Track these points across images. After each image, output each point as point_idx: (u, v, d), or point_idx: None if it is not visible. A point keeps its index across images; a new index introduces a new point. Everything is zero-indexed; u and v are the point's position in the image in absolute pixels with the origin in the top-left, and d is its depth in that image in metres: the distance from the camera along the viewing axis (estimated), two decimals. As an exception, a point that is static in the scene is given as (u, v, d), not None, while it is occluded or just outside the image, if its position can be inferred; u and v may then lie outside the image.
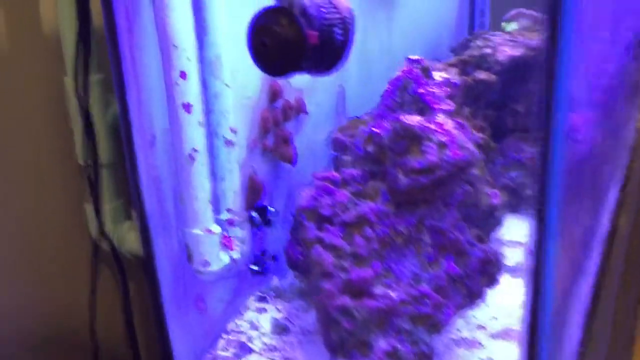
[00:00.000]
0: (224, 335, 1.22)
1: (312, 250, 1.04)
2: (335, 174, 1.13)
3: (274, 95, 1.30)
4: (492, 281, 1.04)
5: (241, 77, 1.14)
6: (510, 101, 1.56)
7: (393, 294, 0.97)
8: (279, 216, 1.36)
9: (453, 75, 1.39)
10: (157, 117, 1.04)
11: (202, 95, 1.03)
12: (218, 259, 1.05)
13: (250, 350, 1.17)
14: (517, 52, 1.48)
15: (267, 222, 1.26)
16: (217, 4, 1.01)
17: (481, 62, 1.49)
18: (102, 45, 1.08)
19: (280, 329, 1.22)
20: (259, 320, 1.25)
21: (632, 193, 1.32)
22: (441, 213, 1.02)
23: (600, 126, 0.99)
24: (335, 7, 0.83)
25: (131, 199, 1.06)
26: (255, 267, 1.23)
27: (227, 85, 1.04)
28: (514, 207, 1.50)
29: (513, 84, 1.53)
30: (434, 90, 1.19)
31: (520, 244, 1.43)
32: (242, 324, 1.25)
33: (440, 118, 1.02)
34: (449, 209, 1.02)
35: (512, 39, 1.53)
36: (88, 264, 1.20)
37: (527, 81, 1.55)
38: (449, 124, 1.01)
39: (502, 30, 1.90)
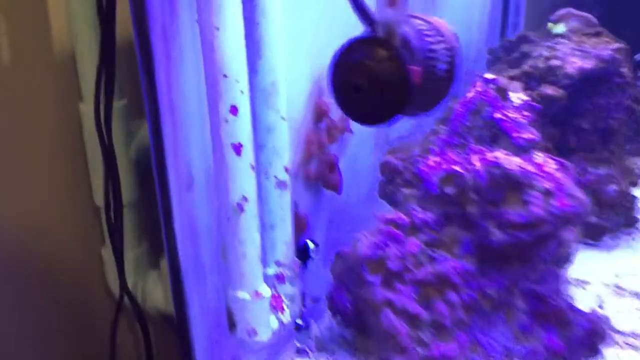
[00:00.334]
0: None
1: (381, 316, 0.87)
2: (403, 216, 0.96)
3: (320, 114, 1.12)
4: (594, 353, 0.87)
5: (287, 95, 0.95)
6: (574, 118, 1.39)
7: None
8: (319, 251, 1.18)
9: (519, 89, 1.21)
10: (196, 155, 0.85)
11: (253, 130, 0.84)
12: (267, 326, 0.88)
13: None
14: (588, 64, 1.30)
15: (308, 260, 1.09)
16: (273, 19, 0.82)
17: (547, 75, 1.31)
18: (122, 63, 0.89)
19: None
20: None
21: None
22: (538, 273, 0.85)
23: None
24: (441, 35, 0.64)
25: (161, 246, 0.87)
26: (300, 322, 1.05)
27: (283, 118, 0.85)
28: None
29: (579, 99, 1.36)
30: (513, 115, 1.01)
31: (587, 283, 1.26)
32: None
33: (540, 158, 0.85)
34: (548, 267, 0.85)
35: (579, 48, 1.35)
36: (105, 321, 1.01)
37: (594, 96, 1.37)
38: (551, 165, 0.84)
39: (548, 32, 1.72)
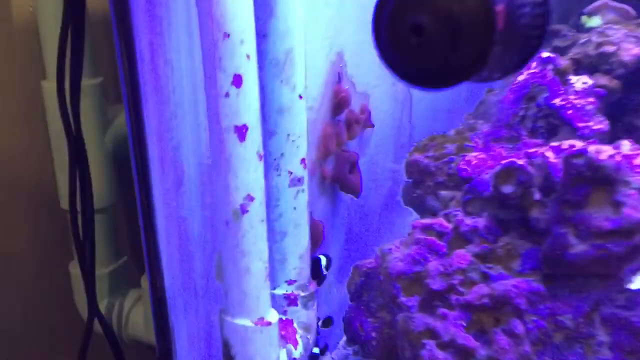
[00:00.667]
0: None
1: (422, 350, 0.67)
2: (445, 222, 0.77)
3: (340, 104, 0.94)
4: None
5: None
6: (626, 112, 1.20)
7: None
8: (333, 265, 1.00)
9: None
10: (188, 145, 0.67)
11: (261, 111, 0.66)
12: (275, 362, 0.68)
13: None
14: (646, 51, 1.11)
15: (321, 278, 0.89)
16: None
17: (599, 62, 1.12)
18: (96, 35, 0.71)
19: None
20: None
21: None
22: (627, 295, 0.66)
23: None
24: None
25: (142, 261, 0.68)
26: (317, 350, 0.86)
27: (300, 96, 0.67)
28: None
29: (633, 92, 1.17)
30: (578, 101, 0.83)
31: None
32: None
33: (626, 147, 0.66)
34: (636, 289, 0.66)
35: (632, 34, 1.17)
36: (73, 351, 0.82)
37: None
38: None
39: (582, 25, 1.54)
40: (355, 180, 1.00)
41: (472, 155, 0.88)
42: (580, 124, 0.81)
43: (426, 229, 0.78)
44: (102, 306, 0.82)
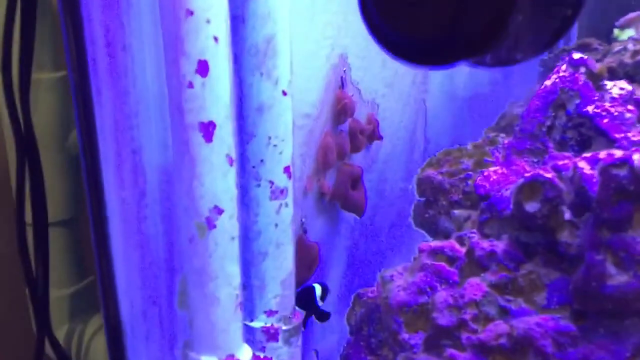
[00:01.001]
0: None
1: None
2: (457, 245, 0.66)
3: (342, 111, 0.83)
4: None
5: (294, 81, 0.66)
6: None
7: None
8: (332, 294, 0.89)
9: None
10: (152, 148, 0.57)
11: (236, 105, 0.56)
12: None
13: None
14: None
15: (315, 311, 0.78)
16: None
17: (637, 71, 1.00)
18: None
19: None
20: None
21: None
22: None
23: None
24: None
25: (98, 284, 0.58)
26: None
27: (284, 92, 0.56)
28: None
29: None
30: (614, 109, 0.71)
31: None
32: None
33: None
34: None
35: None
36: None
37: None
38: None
39: (614, 39, 1.43)
40: (358, 197, 0.89)
41: (491, 170, 0.77)
42: (618, 135, 0.70)
43: (435, 252, 0.67)
44: (62, 332, 0.72)
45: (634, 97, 0.75)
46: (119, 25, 0.53)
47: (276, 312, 0.61)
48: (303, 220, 0.83)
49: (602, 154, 0.54)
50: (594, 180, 0.53)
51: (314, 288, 0.74)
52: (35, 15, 0.58)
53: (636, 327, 0.56)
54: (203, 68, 0.49)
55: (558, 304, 0.59)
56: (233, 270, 0.54)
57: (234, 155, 0.53)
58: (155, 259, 0.59)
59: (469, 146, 0.95)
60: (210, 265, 0.53)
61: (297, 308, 0.67)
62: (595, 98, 0.73)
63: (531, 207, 0.60)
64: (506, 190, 0.66)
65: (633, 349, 0.55)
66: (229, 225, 0.53)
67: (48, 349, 0.68)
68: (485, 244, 0.64)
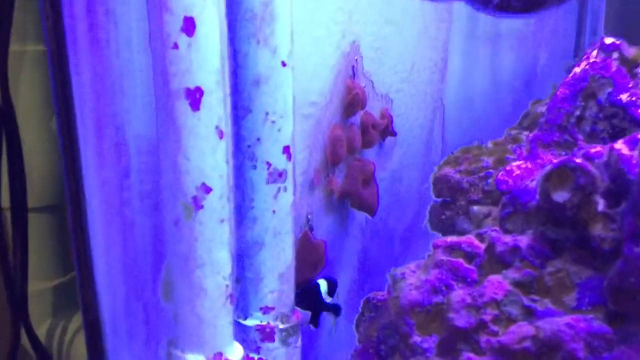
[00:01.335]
0: None
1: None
2: (475, 240, 0.60)
3: (353, 102, 0.78)
4: None
5: (300, 66, 0.60)
6: None
7: None
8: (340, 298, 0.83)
9: None
10: (139, 124, 0.51)
11: (230, 78, 0.51)
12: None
13: None
14: None
15: (329, 310, 0.73)
16: None
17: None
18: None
19: None
20: None
21: None
22: None
23: None
24: None
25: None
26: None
27: (284, 62, 0.51)
28: None
29: None
30: (651, 97, 0.64)
31: None
32: None
33: None
34: None
35: None
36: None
37: None
38: None
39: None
40: (370, 195, 0.83)
41: (515, 165, 0.70)
42: (654, 124, 0.63)
43: (451, 248, 0.60)
44: (44, 328, 0.67)
45: (672, 85, 0.69)
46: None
47: (272, 308, 0.55)
48: (309, 216, 0.77)
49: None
50: (634, 162, 0.47)
51: (318, 285, 0.68)
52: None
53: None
54: (189, 26, 0.44)
55: (590, 305, 0.53)
56: (222, 257, 0.48)
57: (224, 128, 0.47)
58: (139, 247, 0.54)
59: (489, 144, 0.89)
60: (197, 251, 0.47)
61: (299, 309, 0.61)
62: (630, 86, 0.67)
63: (560, 196, 0.54)
64: (531, 181, 0.60)
65: (678, 355, 0.48)
66: (218, 205, 0.47)
67: (28, 346, 0.63)
68: (507, 238, 0.58)
